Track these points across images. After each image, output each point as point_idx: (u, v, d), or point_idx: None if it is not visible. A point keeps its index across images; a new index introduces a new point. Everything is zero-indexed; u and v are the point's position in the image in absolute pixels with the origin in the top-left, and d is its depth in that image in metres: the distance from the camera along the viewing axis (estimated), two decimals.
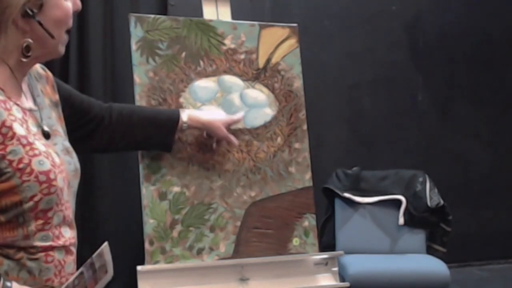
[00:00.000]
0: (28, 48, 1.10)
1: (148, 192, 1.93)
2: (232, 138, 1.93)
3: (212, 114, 1.90)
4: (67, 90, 1.40)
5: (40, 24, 1.10)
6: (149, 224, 1.91)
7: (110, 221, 3.04)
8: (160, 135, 1.74)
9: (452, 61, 3.90)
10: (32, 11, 1.08)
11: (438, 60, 3.87)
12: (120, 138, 1.62)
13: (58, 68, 2.99)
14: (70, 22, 1.18)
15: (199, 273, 1.93)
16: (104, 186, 3.06)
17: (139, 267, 1.86)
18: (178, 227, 1.94)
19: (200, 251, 1.96)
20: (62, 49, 1.19)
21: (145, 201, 1.92)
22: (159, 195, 1.94)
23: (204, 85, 2.07)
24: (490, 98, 3.95)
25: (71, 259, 1.15)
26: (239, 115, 1.98)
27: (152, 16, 2.08)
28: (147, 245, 1.90)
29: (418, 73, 3.85)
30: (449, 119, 3.89)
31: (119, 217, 3.01)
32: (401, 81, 3.82)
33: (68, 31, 1.19)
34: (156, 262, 1.90)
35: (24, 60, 1.11)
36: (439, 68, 3.87)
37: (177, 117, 1.76)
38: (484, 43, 3.93)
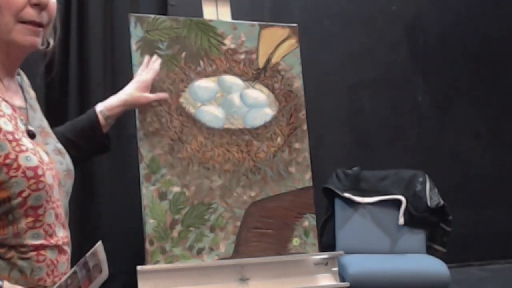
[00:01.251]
0: None
1: (148, 192, 1.93)
2: (161, 95, 1.95)
3: (122, 93, 1.88)
4: None
5: None
6: (149, 224, 1.91)
7: (110, 221, 3.03)
8: (90, 141, 1.68)
9: (452, 61, 3.89)
10: None
11: (438, 60, 3.87)
12: None
13: (58, 68, 2.99)
14: (17, 9, 1.11)
15: (199, 273, 1.93)
16: (104, 186, 3.06)
17: (139, 267, 1.86)
18: (178, 227, 1.94)
19: (200, 251, 1.96)
20: (22, 39, 1.13)
21: (145, 201, 1.92)
22: (159, 195, 1.94)
23: (204, 85, 2.07)
24: (490, 98, 3.94)
25: (65, 258, 1.15)
26: (149, 74, 1.95)
27: (152, 16, 2.08)
28: (147, 245, 1.90)
29: (418, 73, 3.85)
30: (449, 119, 3.89)
31: (119, 217, 3.01)
32: (401, 81, 3.82)
33: (41, 25, 1.14)
34: (156, 262, 1.90)
35: None
36: (439, 68, 3.87)
37: (95, 117, 1.72)
38: (484, 43, 3.93)
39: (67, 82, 3.00)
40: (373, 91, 3.77)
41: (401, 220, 3.09)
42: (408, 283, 2.80)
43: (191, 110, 2.04)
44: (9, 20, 1.11)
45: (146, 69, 1.97)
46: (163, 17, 2.11)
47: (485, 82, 3.94)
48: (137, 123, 1.99)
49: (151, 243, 1.91)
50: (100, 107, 1.75)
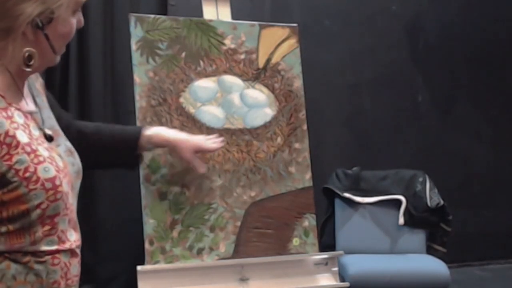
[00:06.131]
0: (30, 57, 1.10)
1: (148, 192, 1.93)
2: (197, 163, 1.83)
3: (182, 135, 1.81)
4: (52, 100, 1.34)
5: (47, 37, 1.10)
6: (149, 224, 1.91)
7: (110, 221, 3.04)
8: (121, 154, 1.67)
9: (452, 61, 3.89)
10: (42, 23, 1.08)
11: (438, 60, 3.87)
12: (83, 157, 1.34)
13: (59, 68, 2.99)
14: (71, 37, 1.19)
15: (199, 273, 1.93)
16: (104, 186, 3.06)
17: (139, 267, 1.86)
18: (178, 227, 1.94)
19: (200, 251, 1.96)
20: (58, 60, 1.19)
21: (145, 201, 1.92)
22: (159, 195, 1.94)
23: (204, 85, 2.08)
24: (491, 98, 3.94)
25: (76, 261, 1.16)
26: (215, 145, 1.89)
27: (152, 16, 2.08)
28: (147, 245, 1.90)
29: (418, 73, 3.85)
30: (449, 119, 3.89)
31: (119, 217, 3.01)
32: (401, 81, 3.82)
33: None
34: (156, 262, 1.90)
35: (26, 69, 1.11)
36: (439, 68, 3.87)
37: (138, 134, 1.68)
38: (484, 42, 3.93)
39: (67, 82, 3.00)
40: (373, 91, 3.77)
41: (401, 220, 3.09)
42: (408, 283, 2.80)
43: (191, 110, 2.04)
44: (63, 47, 1.17)
45: (213, 141, 1.89)
46: (163, 17, 2.11)
47: (485, 82, 3.94)
48: (137, 123, 1.99)
49: (151, 243, 1.91)
50: (153, 129, 1.72)
